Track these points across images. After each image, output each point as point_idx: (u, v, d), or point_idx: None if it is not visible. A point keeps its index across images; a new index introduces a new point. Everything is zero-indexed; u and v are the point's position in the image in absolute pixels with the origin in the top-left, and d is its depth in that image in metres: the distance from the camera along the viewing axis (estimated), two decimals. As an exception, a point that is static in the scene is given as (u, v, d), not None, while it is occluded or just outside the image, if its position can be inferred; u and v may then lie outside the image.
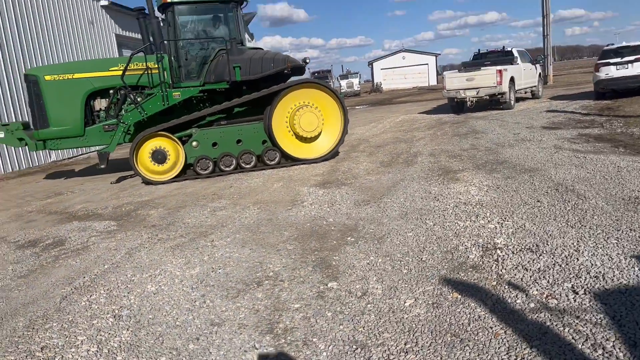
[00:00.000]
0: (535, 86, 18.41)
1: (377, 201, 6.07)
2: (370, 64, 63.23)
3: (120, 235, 5.71)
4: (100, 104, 9.50)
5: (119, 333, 3.33)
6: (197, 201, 7.13)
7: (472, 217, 4.97)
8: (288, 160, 9.33)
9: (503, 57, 17.02)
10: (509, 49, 17.36)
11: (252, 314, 3.42)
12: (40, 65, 14.02)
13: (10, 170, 12.74)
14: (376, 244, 4.55)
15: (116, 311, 3.67)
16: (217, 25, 9.72)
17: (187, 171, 9.12)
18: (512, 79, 15.63)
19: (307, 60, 10.02)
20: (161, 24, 9.56)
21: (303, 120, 9.08)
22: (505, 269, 3.63)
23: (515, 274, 3.53)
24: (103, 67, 9.56)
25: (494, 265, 3.72)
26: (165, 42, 9.23)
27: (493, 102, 16.06)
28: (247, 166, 9.13)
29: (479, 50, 18.17)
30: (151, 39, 9.63)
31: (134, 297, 3.89)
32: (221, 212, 6.35)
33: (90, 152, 15.88)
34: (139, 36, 20.23)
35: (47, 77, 9.14)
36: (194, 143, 8.96)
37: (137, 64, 9.16)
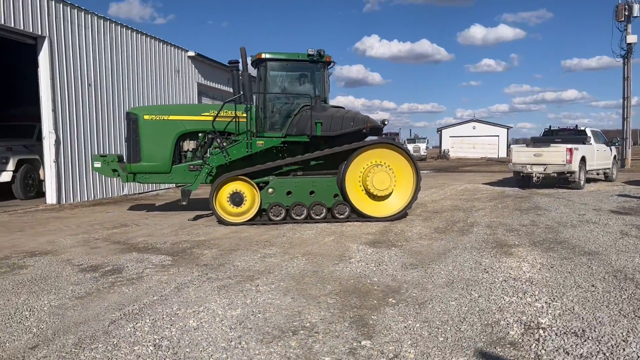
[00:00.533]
0: (609, 168, 17.77)
1: (424, 266, 6.04)
2: (440, 130, 63.34)
3: (173, 270, 5.98)
4: (189, 145, 10.11)
5: (156, 361, 3.49)
6: (250, 246, 7.36)
7: (519, 294, 4.84)
8: (357, 215, 9.50)
9: (575, 135, 16.65)
10: (582, 128, 16.98)
11: (282, 361, 3.49)
12: (134, 106, 15.20)
13: (86, 199, 13.65)
14: (417, 308, 4.52)
15: (157, 341, 3.85)
16: (304, 82, 10.31)
17: (261, 216, 9.49)
18: (583, 159, 15.22)
19: (386, 122, 10.38)
20: (252, 78, 10.20)
21: (376, 178, 9.30)
22: (545, 350, 3.51)
23: (554, 356, 3.40)
24: (195, 111, 10.30)
25: (534, 345, 3.61)
26: (255, 94, 9.84)
27: (561, 181, 15.63)
28: (317, 217, 9.40)
29: (549, 126, 17.90)
30: (241, 90, 10.31)
31: (176, 330, 4.06)
32: (270, 259, 6.52)
33: (159, 189, 16.74)
34: (218, 85, 21.70)
35: (146, 117, 9.89)
36: (270, 190, 9.37)
37: (226, 112, 9.81)
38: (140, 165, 9.83)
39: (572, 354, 3.45)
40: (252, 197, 9.30)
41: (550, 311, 4.32)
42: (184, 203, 9.56)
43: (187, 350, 3.68)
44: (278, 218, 9.29)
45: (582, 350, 3.50)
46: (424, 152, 49.90)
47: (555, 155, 14.70)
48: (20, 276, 5.75)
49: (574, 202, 11.88)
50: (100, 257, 6.71)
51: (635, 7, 28.32)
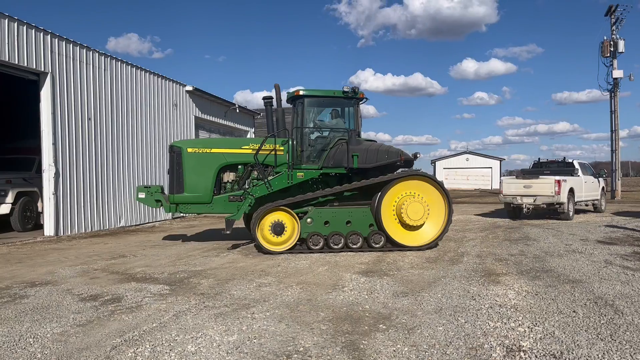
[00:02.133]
0: (597, 199, 18.14)
1: (415, 294, 6.25)
2: (433, 162, 63.96)
3: (171, 299, 6.16)
4: (229, 176, 10.44)
5: (157, 383, 3.67)
6: (246, 275, 7.55)
7: (504, 319, 5.06)
8: (392, 245, 9.78)
9: (563, 167, 17.06)
10: (570, 160, 17.40)
11: (277, 382, 3.68)
12: (134, 140, 15.52)
13: (84, 231, 13.81)
14: (406, 333, 4.73)
15: (157, 364, 4.03)
16: (339, 116, 10.79)
17: (300, 246, 9.77)
18: (571, 190, 15.57)
19: (418, 155, 10.85)
20: (285, 113, 10.60)
21: (410, 209, 9.63)
22: (524, 370, 3.73)
23: (533, 376, 3.62)
24: (236, 145, 10.71)
25: (514, 366, 3.82)
26: (295, 128, 10.25)
27: (551, 212, 15.94)
28: (354, 246, 9.67)
29: (539, 159, 18.33)
30: (275, 125, 10.68)
31: (175, 355, 4.24)
32: (266, 288, 6.71)
33: (156, 221, 16.93)
34: (214, 119, 22.12)
35: (189, 150, 10.24)
36: (309, 220, 9.68)
37: (265, 145, 10.18)
38: (183, 196, 10.12)
39: (549, 373, 3.66)
40: (292, 227, 9.60)
41: (532, 335, 4.54)
42: (228, 232, 9.78)
43: (186, 373, 3.86)
44: (317, 247, 9.58)
45: (559, 370, 3.71)
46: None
47: (544, 187, 15.05)
48: (22, 305, 5.92)
49: (563, 233, 12.16)
50: (100, 287, 6.88)
51: (621, 43, 29.29)
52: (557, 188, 14.87)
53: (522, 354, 4.08)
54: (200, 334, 4.77)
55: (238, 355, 4.23)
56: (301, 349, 4.37)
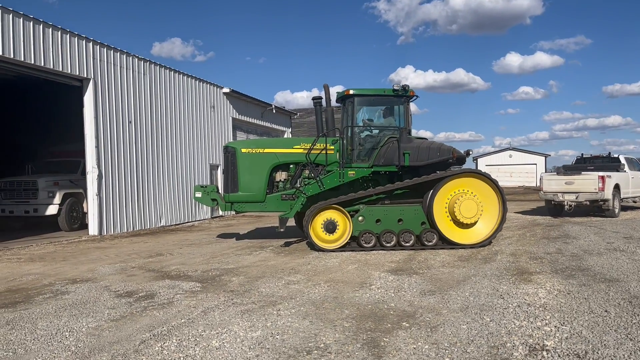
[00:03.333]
0: (646, 196, 17.38)
1: (442, 293, 6.20)
2: (475, 159, 62.73)
3: (201, 296, 6.33)
4: (281, 175, 10.66)
5: (179, 376, 3.80)
6: (276, 273, 7.66)
7: (530, 318, 4.97)
8: (444, 243, 9.77)
9: (608, 163, 16.46)
10: (616, 155, 16.77)
11: (295, 377, 3.74)
12: (173, 141, 15.98)
13: (125, 230, 14.30)
14: (428, 331, 4.71)
15: (181, 358, 4.17)
16: (388, 115, 10.86)
17: (352, 243, 9.86)
18: (617, 186, 15.01)
19: (470, 152, 10.84)
20: (334, 112, 10.75)
21: (464, 206, 9.60)
22: (544, 370, 3.66)
23: (552, 375, 3.55)
24: (287, 145, 10.96)
25: (535, 365, 3.76)
26: (346, 127, 10.37)
27: (595, 209, 15.41)
28: (406, 244, 9.70)
29: (582, 154, 17.73)
30: (325, 124, 10.83)
31: (199, 349, 4.38)
32: (294, 285, 6.80)
33: (195, 221, 17.34)
34: (252, 120, 22.43)
35: (244, 150, 10.52)
36: (360, 218, 9.79)
37: (317, 145, 10.36)
38: (238, 195, 10.39)
39: (570, 373, 3.59)
40: (344, 225, 9.72)
41: (557, 334, 4.44)
42: (281, 230, 10.03)
43: (209, 367, 3.98)
44: (369, 245, 9.64)
45: (581, 370, 3.63)
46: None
47: (587, 183, 14.57)
48: (62, 301, 6.21)
49: (605, 230, 11.75)
50: (135, 284, 7.13)
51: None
52: (601, 184, 14.36)
53: (544, 353, 4.01)
54: (225, 329, 4.90)
55: (259, 350, 4.32)
56: (322, 345, 4.42)
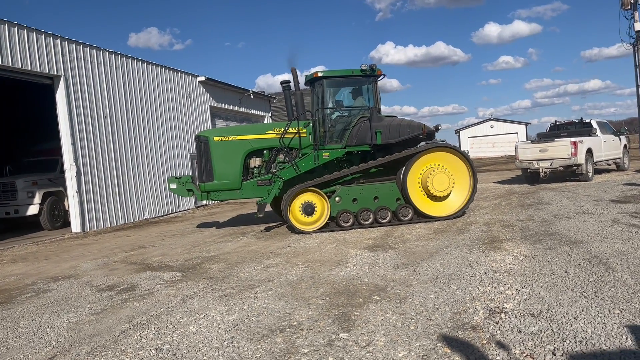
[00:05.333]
0: (619, 158, 17.80)
1: (415, 265, 6.42)
2: (458, 132, 63.18)
3: (181, 285, 6.48)
4: (255, 162, 10.69)
5: (156, 362, 3.97)
6: (256, 258, 7.83)
7: (494, 284, 5.20)
8: (419, 217, 10.02)
9: (581, 128, 16.78)
10: (588, 120, 17.09)
11: (266, 355, 3.93)
12: (148, 133, 15.96)
13: (109, 225, 14.35)
14: (397, 303, 4.92)
15: (159, 345, 4.33)
16: (358, 95, 10.99)
17: (331, 224, 10.03)
18: (589, 151, 15.34)
19: (439, 127, 11.16)
20: (303, 95, 10.79)
21: (436, 180, 9.86)
22: (500, 330, 3.89)
23: (507, 335, 3.78)
24: (260, 130, 10.96)
25: (492, 327, 3.98)
26: (317, 110, 10.47)
27: (570, 174, 15.76)
28: (383, 221, 9.90)
29: (555, 121, 18.04)
30: (294, 108, 10.88)
31: (177, 335, 4.54)
32: (272, 268, 6.98)
33: (178, 211, 17.42)
34: (230, 107, 22.38)
35: (216, 138, 10.52)
36: (337, 198, 9.95)
37: (290, 129, 10.42)
38: (213, 184, 10.44)
39: (524, 331, 3.82)
40: (321, 206, 9.89)
41: (517, 297, 4.68)
42: (260, 215, 10.12)
43: (185, 351, 4.15)
44: (347, 224, 9.84)
45: (534, 328, 3.86)
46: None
47: (560, 150, 14.87)
48: (44, 299, 6.33)
49: (578, 195, 12.07)
50: (117, 278, 7.26)
51: (641, -6, 28.18)
52: (573, 150, 14.67)
53: (502, 315, 4.23)
54: (203, 315, 5.06)
55: (235, 332, 4.49)
56: (295, 323, 4.61)
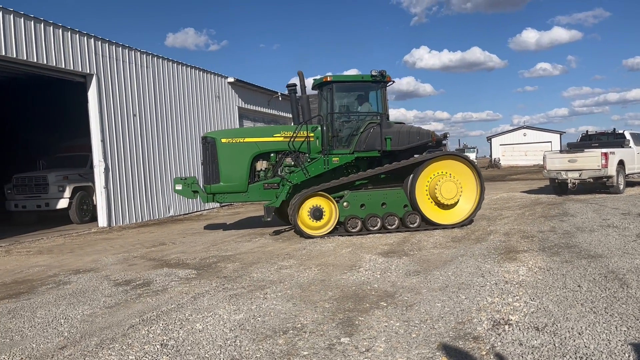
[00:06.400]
0: (654, 171, 17.22)
1: (426, 273, 6.38)
2: (489, 139, 62.22)
3: (194, 282, 6.59)
4: (262, 165, 10.71)
5: (160, 357, 4.06)
6: (271, 259, 7.90)
7: (503, 295, 5.12)
8: (427, 224, 10.01)
9: (613, 139, 16.34)
10: (621, 131, 16.63)
11: (266, 355, 3.97)
12: (177, 133, 16.28)
13: (134, 221, 14.68)
14: (403, 310, 4.90)
15: (165, 340, 4.42)
16: (367, 100, 11.01)
17: (339, 229, 10.01)
18: (621, 162, 14.93)
19: (448, 135, 11.19)
20: (310, 100, 10.83)
21: (444, 188, 9.85)
22: (501, 342, 3.84)
23: (507, 347, 3.73)
24: (268, 133, 10.96)
25: (494, 338, 3.94)
26: (328, 114, 10.44)
27: (600, 186, 15.37)
28: (391, 227, 9.89)
29: (586, 131, 17.63)
30: (300, 111, 10.95)
31: (183, 332, 4.63)
32: (285, 270, 7.03)
33: (203, 210, 17.67)
34: (258, 108, 22.58)
35: (223, 140, 10.46)
36: (345, 203, 9.95)
37: (296, 133, 10.40)
38: (219, 186, 10.38)
39: (525, 344, 3.76)
40: (330, 211, 9.88)
41: (524, 309, 4.61)
42: (268, 219, 10.09)
43: (189, 348, 4.23)
44: (355, 230, 9.82)
45: (535, 342, 3.80)
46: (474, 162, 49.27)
47: (590, 160, 14.52)
48: (63, 291, 6.53)
49: (605, 207, 11.76)
50: (135, 273, 7.43)
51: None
52: (604, 161, 14.31)
53: (506, 327, 4.18)
54: (211, 313, 5.14)
55: (239, 331, 4.56)
56: (299, 325, 4.64)
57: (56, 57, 12.46)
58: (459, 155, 10.35)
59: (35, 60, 11.87)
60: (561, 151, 15.70)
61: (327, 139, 10.45)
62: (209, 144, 10.62)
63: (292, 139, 10.34)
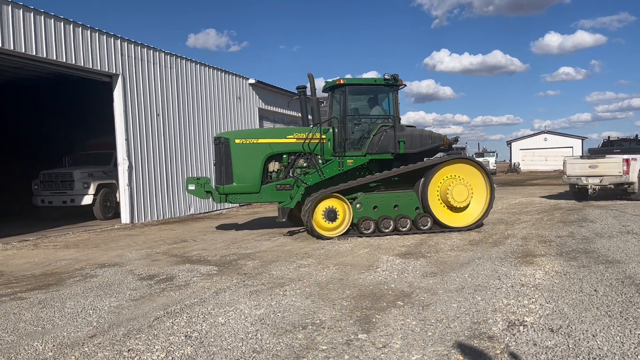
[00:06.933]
0: (677, 178, 16.98)
1: (443, 275, 6.47)
2: (509, 143, 61.73)
3: (216, 278, 6.78)
4: (274, 166, 10.80)
5: (184, 347, 4.24)
6: (289, 257, 8.06)
7: (519, 297, 5.20)
8: (438, 226, 10.13)
9: (636, 145, 16.18)
10: (643, 137, 16.47)
11: (286, 348, 4.13)
12: (199, 132, 16.57)
13: (156, 218, 14.98)
14: (419, 309, 5.02)
15: (189, 332, 4.60)
16: (380, 104, 11.15)
17: (351, 230, 10.10)
18: (643, 169, 14.76)
19: (458, 139, 11.30)
20: (320, 102, 11.00)
21: (455, 191, 10.00)
22: (515, 342, 3.93)
23: (521, 347, 3.82)
24: (281, 134, 11.08)
25: (508, 338, 4.03)
26: (344, 117, 10.50)
27: (621, 192, 15.23)
28: (403, 229, 10.01)
29: (608, 137, 17.48)
30: (310, 114, 11.08)
31: (206, 325, 4.81)
32: (304, 268, 7.18)
33: (223, 209, 17.93)
34: (278, 109, 22.81)
35: (237, 141, 10.49)
36: (358, 205, 10.05)
37: (309, 134, 10.55)
38: (232, 186, 10.40)
39: (539, 345, 3.85)
40: (343, 213, 9.96)
41: (540, 311, 4.68)
42: (283, 220, 10.22)
43: (212, 340, 4.41)
44: (368, 231, 9.90)
45: (549, 342, 3.89)
46: (494, 166, 48.90)
47: (611, 167, 14.41)
48: (90, 283, 6.77)
49: (626, 214, 11.69)
50: (158, 268, 7.65)
51: None
52: (625, 167, 14.18)
53: (521, 328, 4.27)
54: (232, 308, 5.32)
55: (260, 325, 4.72)
56: (317, 321, 4.79)
57: (84, 58, 12.81)
58: (469, 159, 10.55)
59: (64, 60, 12.23)
60: (582, 157, 15.58)
61: (340, 140, 10.53)
62: (222, 144, 10.59)
63: (307, 141, 10.44)
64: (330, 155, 10.59)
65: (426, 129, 11.19)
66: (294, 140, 10.67)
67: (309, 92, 11.23)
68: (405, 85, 10.87)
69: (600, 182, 14.56)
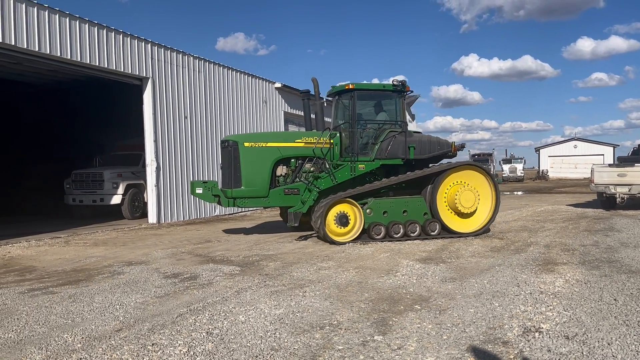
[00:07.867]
0: None
1: (462, 280, 6.50)
2: (538, 150, 60.76)
3: (238, 278, 6.95)
4: (282, 170, 10.76)
5: (205, 343, 4.39)
6: (310, 260, 8.19)
7: (537, 304, 5.22)
8: (446, 232, 10.22)
9: (667, 154, 15.83)
10: (676, 146, 16.10)
11: (304, 347, 4.24)
12: (226, 135, 16.88)
13: (182, 219, 15.30)
14: (436, 314, 5.08)
15: (210, 329, 4.76)
16: (387, 109, 11.20)
17: (362, 235, 10.07)
18: (674, 179, 14.43)
19: (464, 145, 11.51)
20: (324, 106, 11.13)
21: (463, 197, 10.14)
22: (530, 348, 3.97)
23: (535, 353, 3.86)
24: (290, 138, 11.11)
25: (523, 344, 4.07)
26: (355, 121, 10.49)
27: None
28: (412, 235, 10.06)
29: (638, 145, 17.11)
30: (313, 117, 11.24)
31: (227, 322, 4.96)
32: (324, 271, 7.29)
33: (247, 211, 18.18)
34: (302, 113, 22.96)
35: (246, 144, 10.40)
36: (368, 210, 10.06)
37: (317, 139, 10.53)
38: (240, 190, 10.26)
39: (553, 351, 3.88)
40: (354, 218, 9.99)
41: (557, 319, 4.70)
42: (295, 224, 10.09)
43: (232, 337, 4.55)
44: (379, 236, 9.91)
45: (564, 349, 3.92)
46: (521, 173, 48.19)
47: (641, 175, 14.13)
48: (117, 280, 7.01)
49: (654, 224, 11.47)
50: (182, 267, 7.86)
51: None
52: (655, 176, 13.89)
53: (536, 334, 4.30)
54: (253, 307, 5.46)
55: (279, 325, 4.85)
56: (335, 322, 4.90)
57: (116, 61, 13.21)
58: (476, 166, 10.72)
59: (97, 64, 12.64)
60: (610, 165, 15.31)
61: (349, 145, 10.51)
62: (230, 148, 10.47)
63: (320, 145, 10.39)
64: (338, 159, 10.59)
65: (432, 135, 11.33)
66: (302, 145, 10.62)
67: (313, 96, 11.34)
68: (412, 92, 10.91)
69: (629, 191, 14.29)
